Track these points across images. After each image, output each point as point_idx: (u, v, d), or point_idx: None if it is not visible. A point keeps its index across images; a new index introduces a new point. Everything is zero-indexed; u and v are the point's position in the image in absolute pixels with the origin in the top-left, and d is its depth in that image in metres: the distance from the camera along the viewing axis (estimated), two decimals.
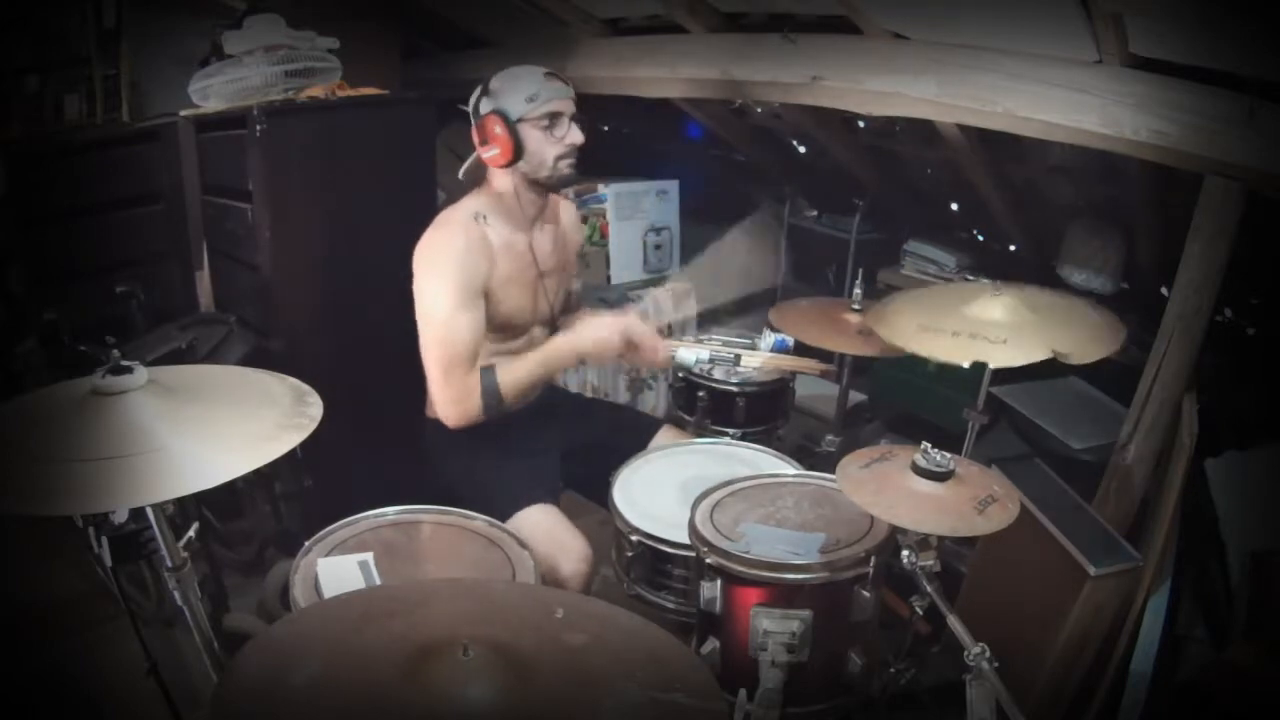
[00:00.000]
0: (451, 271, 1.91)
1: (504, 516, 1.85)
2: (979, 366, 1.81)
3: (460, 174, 2.09)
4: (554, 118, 1.96)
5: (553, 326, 2.23)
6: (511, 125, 1.93)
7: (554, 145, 1.97)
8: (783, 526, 1.64)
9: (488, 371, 1.95)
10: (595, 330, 2.04)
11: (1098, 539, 2.00)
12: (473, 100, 1.99)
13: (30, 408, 1.26)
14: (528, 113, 1.93)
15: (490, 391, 1.94)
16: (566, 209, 2.27)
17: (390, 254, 2.02)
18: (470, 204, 2.02)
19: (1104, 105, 2.07)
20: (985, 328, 1.79)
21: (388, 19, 3.60)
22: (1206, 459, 2.13)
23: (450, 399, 1.94)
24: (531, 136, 1.95)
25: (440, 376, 1.94)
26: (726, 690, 1.50)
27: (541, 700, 1.03)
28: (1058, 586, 1.96)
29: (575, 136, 1.99)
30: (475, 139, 1.99)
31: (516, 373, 1.97)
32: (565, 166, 2.00)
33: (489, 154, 1.97)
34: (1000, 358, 1.76)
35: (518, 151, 1.95)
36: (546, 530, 1.90)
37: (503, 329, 2.06)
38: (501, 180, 2.02)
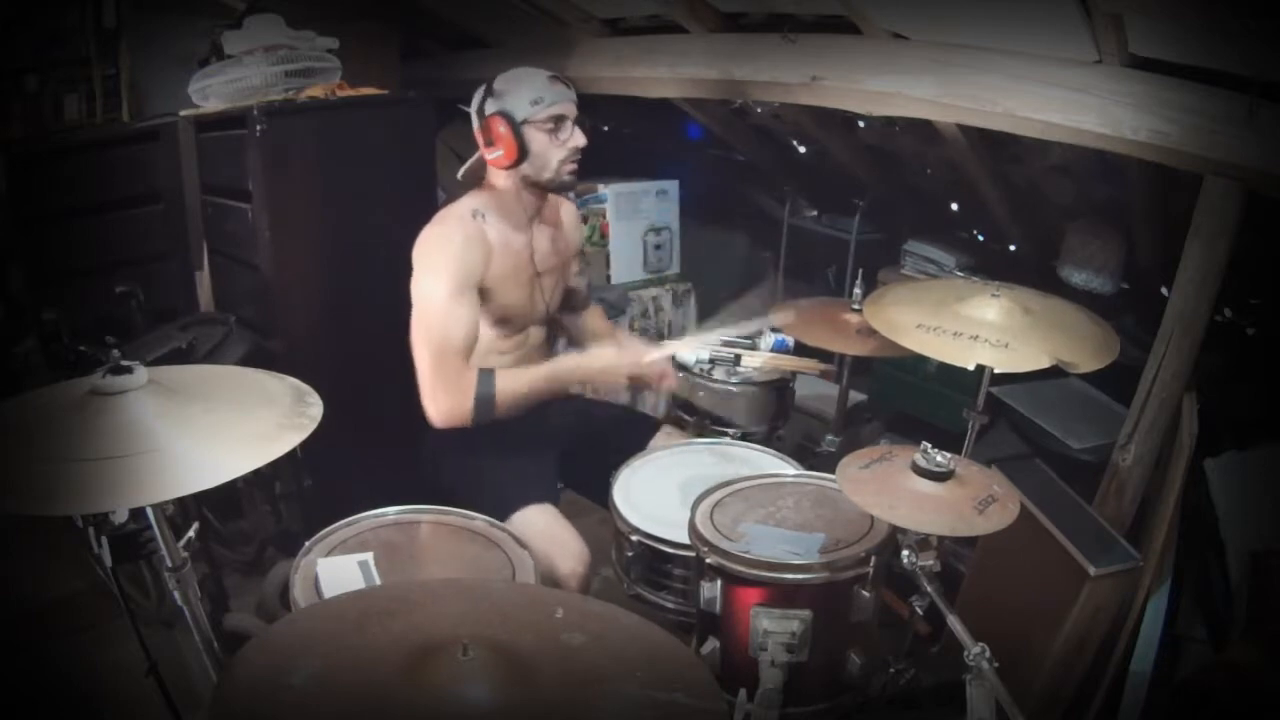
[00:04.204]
0: (447, 265, 1.91)
1: (502, 516, 1.85)
2: (979, 366, 1.81)
3: (459, 175, 2.10)
4: (558, 121, 1.96)
5: (550, 325, 2.24)
6: (516, 127, 1.93)
7: (558, 148, 1.98)
8: (783, 526, 1.64)
9: (486, 375, 1.92)
10: (605, 360, 2.04)
11: (1098, 539, 2.00)
12: (476, 101, 1.98)
13: (30, 408, 1.25)
14: (533, 115, 1.93)
15: (485, 397, 1.90)
16: (567, 209, 2.27)
17: (390, 254, 2.02)
18: (469, 202, 2.02)
19: (1104, 105, 2.07)
20: (987, 330, 1.79)
21: (388, 19, 3.60)
22: (1206, 459, 2.13)
23: (440, 395, 1.91)
24: (536, 139, 1.96)
25: (430, 369, 1.91)
26: (726, 690, 1.50)
27: (541, 700, 1.03)
28: (1058, 586, 1.96)
29: (578, 139, 1.99)
30: (479, 139, 1.99)
31: (515, 383, 1.94)
32: (567, 171, 2.01)
33: (493, 155, 1.97)
34: (1003, 362, 1.75)
35: (522, 153, 1.95)
36: (543, 530, 1.90)
37: (499, 326, 2.06)
38: (501, 180, 2.03)
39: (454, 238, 1.94)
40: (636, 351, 2.08)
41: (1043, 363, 1.73)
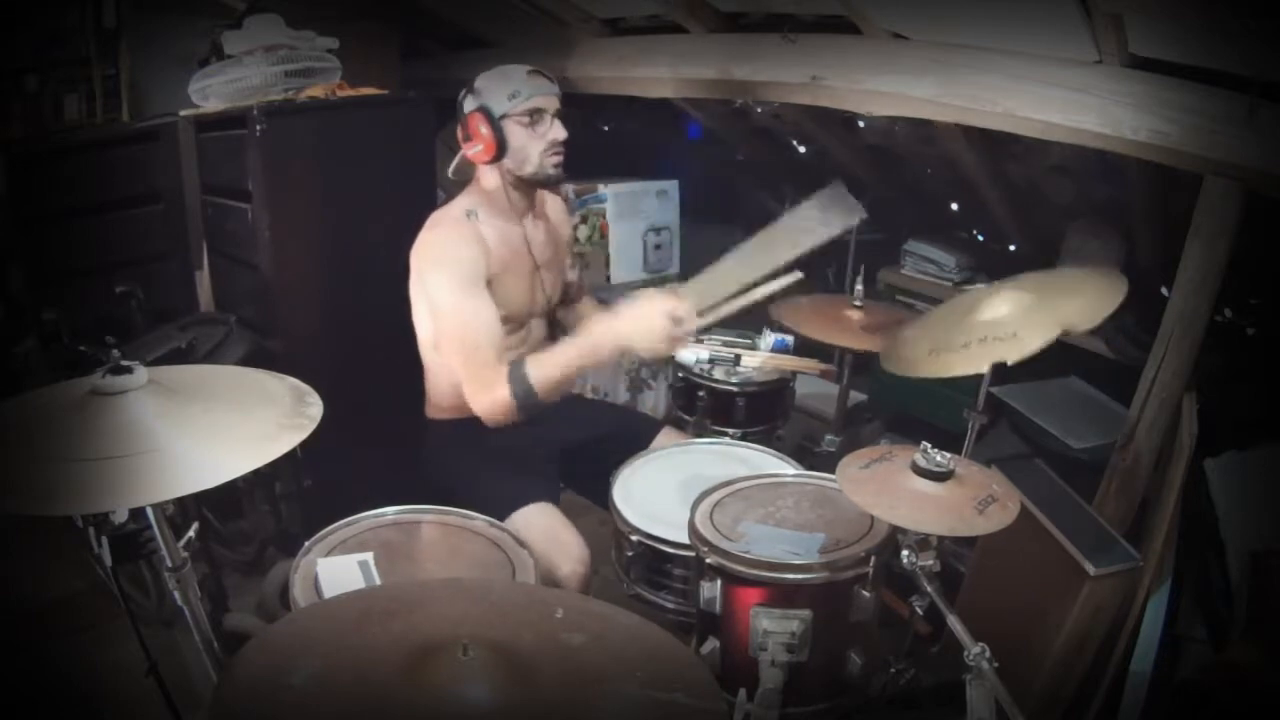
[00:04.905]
0: (454, 267, 1.91)
1: (502, 516, 1.85)
2: None
3: (450, 172, 2.10)
4: (537, 114, 1.97)
5: (550, 319, 2.24)
6: (494, 122, 1.94)
7: (537, 141, 1.98)
8: (783, 526, 1.64)
9: (515, 366, 1.87)
10: (635, 314, 1.80)
11: (1098, 539, 2.00)
12: (459, 100, 2.00)
13: (30, 408, 1.25)
14: (510, 109, 1.95)
15: (522, 387, 1.84)
16: (553, 202, 2.27)
17: (390, 253, 2.02)
18: (461, 202, 2.04)
19: (1104, 105, 2.07)
20: (991, 328, 1.79)
21: (388, 19, 3.60)
22: (1206, 459, 2.12)
23: (476, 395, 1.90)
24: (515, 133, 1.96)
25: (466, 372, 1.91)
26: (726, 690, 1.50)
27: (541, 700, 1.03)
28: (1058, 586, 1.96)
29: (558, 132, 1.99)
30: (459, 136, 2.00)
31: (550, 366, 1.85)
32: (551, 165, 2.01)
33: (473, 150, 1.98)
34: (1013, 352, 1.73)
35: (501, 147, 1.96)
36: (544, 529, 1.90)
37: (502, 322, 2.06)
38: (490, 178, 2.03)
39: (453, 240, 1.95)
40: (669, 299, 1.78)
41: (1053, 335, 1.71)
